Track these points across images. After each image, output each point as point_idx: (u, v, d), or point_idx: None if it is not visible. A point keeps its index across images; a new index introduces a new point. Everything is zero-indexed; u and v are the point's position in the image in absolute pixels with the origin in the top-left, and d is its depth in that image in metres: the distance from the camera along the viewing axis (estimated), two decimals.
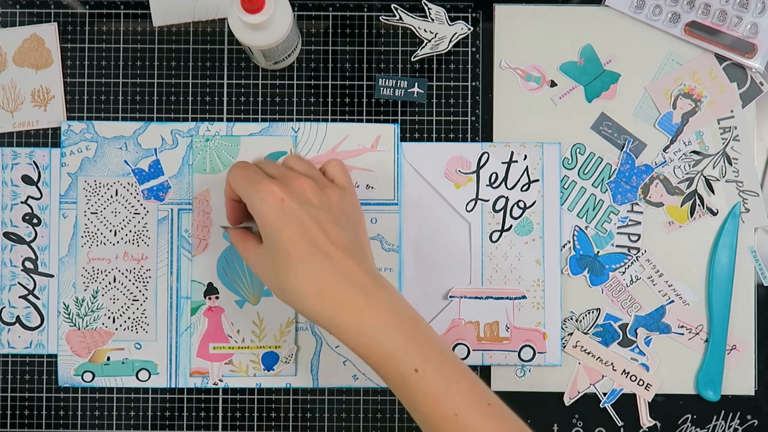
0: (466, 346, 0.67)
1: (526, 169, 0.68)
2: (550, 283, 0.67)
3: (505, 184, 0.68)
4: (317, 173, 0.59)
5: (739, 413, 0.68)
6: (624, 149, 0.68)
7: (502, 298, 0.67)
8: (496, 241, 0.68)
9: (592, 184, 0.68)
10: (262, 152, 0.67)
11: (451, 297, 0.67)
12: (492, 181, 0.68)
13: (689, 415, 0.68)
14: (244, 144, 0.67)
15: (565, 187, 0.68)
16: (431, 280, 0.67)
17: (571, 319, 0.68)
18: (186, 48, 0.68)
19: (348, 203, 0.58)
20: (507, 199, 0.68)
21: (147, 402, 0.67)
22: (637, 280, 0.68)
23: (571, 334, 0.68)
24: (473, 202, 0.68)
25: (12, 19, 0.68)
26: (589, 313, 0.68)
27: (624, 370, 0.67)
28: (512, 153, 0.68)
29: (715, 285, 0.67)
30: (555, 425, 0.68)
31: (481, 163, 0.68)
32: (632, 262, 0.68)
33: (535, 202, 0.68)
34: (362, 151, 0.68)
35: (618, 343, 0.68)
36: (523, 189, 0.68)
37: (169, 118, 0.68)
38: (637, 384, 0.67)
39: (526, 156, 0.68)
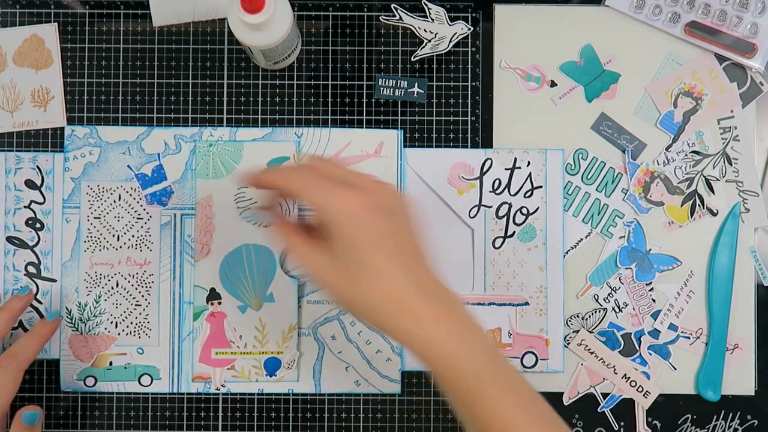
0: None
1: (530, 175, 0.68)
2: (552, 289, 0.67)
3: (509, 191, 0.68)
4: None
5: (739, 413, 0.68)
6: (626, 161, 0.67)
7: (504, 305, 0.67)
8: (499, 247, 0.68)
9: (596, 189, 0.68)
10: (264, 158, 0.67)
11: None
12: (495, 187, 0.68)
13: (689, 415, 0.68)
14: (247, 149, 0.67)
15: (569, 192, 0.68)
16: None
17: (577, 316, 0.68)
18: (186, 48, 0.68)
19: (412, 208, 0.56)
20: (510, 205, 0.68)
21: (147, 402, 0.67)
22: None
23: (577, 331, 0.68)
24: (476, 208, 0.68)
25: (12, 19, 0.68)
26: (595, 312, 0.68)
27: (625, 375, 0.67)
28: (515, 159, 0.68)
29: (715, 285, 0.67)
30: None
31: (485, 170, 0.68)
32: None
33: (538, 208, 0.68)
34: (365, 156, 0.68)
35: (619, 352, 0.68)
36: (527, 195, 0.68)
37: (169, 119, 0.68)
38: (636, 390, 0.67)
39: (529, 162, 0.68)
